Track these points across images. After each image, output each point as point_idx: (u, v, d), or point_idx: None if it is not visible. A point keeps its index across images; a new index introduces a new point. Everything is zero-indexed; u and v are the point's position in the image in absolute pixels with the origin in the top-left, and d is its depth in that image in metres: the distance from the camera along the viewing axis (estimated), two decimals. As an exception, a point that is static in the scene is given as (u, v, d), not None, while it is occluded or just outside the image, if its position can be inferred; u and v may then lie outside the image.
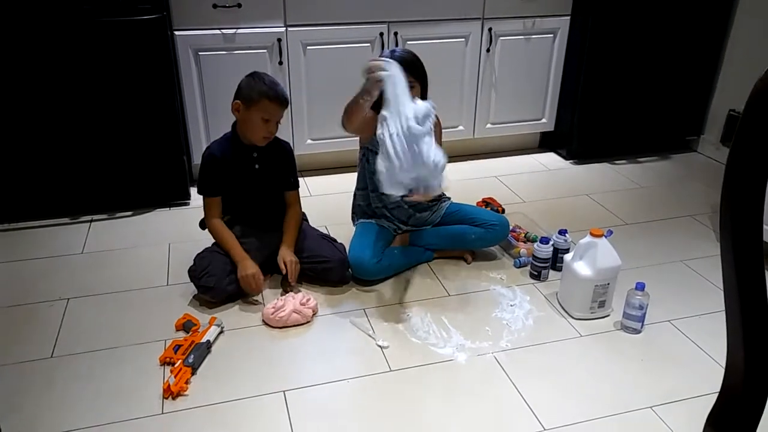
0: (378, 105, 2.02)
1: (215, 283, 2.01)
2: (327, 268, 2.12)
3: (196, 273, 2.03)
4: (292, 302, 1.97)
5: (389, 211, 2.26)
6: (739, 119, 0.76)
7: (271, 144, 2.09)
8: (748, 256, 0.78)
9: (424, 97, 2.13)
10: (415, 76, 2.06)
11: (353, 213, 2.35)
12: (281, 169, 2.17)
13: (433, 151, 1.82)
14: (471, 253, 2.34)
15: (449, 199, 2.39)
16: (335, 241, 2.22)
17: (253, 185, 2.13)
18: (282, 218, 2.18)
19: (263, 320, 1.98)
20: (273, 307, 1.95)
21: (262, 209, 2.17)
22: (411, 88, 2.05)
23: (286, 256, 2.08)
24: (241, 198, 2.13)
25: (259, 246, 2.12)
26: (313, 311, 2.00)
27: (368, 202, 2.27)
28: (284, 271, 2.06)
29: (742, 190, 0.76)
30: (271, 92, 1.99)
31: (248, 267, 2.02)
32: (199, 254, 2.11)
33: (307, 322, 1.98)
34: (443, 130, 2.24)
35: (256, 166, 2.11)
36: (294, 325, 1.96)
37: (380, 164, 1.82)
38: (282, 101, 2.01)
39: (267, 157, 2.12)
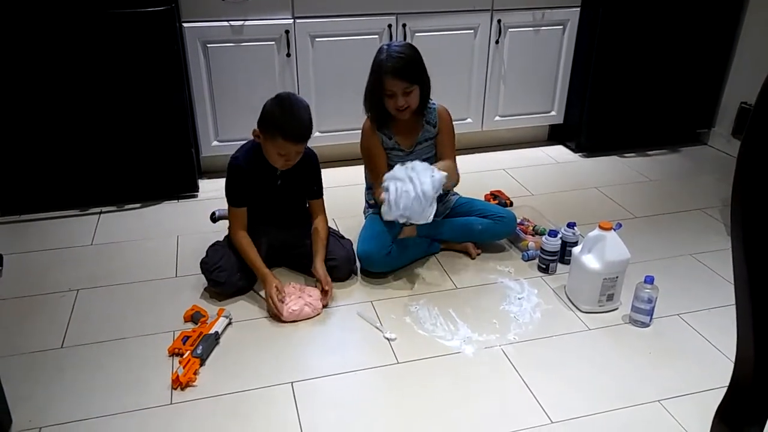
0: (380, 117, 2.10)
1: (226, 279, 2.02)
2: (333, 266, 2.12)
3: (208, 266, 2.04)
4: (303, 296, 1.98)
5: None
6: (751, 112, 0.75)
7: None
8: (759, 249, 0.78)
9: (426, 96, 2.11)
10: (410, 79, 2.02)
11: (366, 205, 2.36)
12: (305, 181, 2.13)
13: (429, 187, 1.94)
14: (474, 246, 2.33)
15: (457, 194, 2.39)
16: (342, 237, 2.22)
17: (274, 199, 2.10)
18: (300, 217, 2.17)
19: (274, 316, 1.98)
20: (288, 305, 1.95)
21: (282, 215, 2.15)
22: (408, 93, 2.03)
23: (322, 269, 2.05)
24: (262, 208, 2.11)
25: (271, 240, 2.12)
26: (324, 304, 2.01)
27: None
28: (322, 285, 2.02)
29: (754, 183, 0.76)
30: (288, 130, 1.89)
31: (270, 283, 1.97)
32: (211, 246, 2.11)
33: (318, 314, 1.99)
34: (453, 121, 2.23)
35: (279, 182, 2.07)
36: (304, 319, 1.97)
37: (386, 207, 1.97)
38: (298, 140, 1.92)
39: (290, 174, 2.06)
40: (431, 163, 2.19)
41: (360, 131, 2.23)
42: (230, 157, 2.06)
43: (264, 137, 1.95)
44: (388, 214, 1.96)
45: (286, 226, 2.15)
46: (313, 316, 1.98)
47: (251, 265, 2.03)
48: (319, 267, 2.05)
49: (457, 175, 2.23)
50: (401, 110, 2.06)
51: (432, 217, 1.97)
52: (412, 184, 1.94)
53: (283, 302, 1.94)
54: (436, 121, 2.19)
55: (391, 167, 2.19)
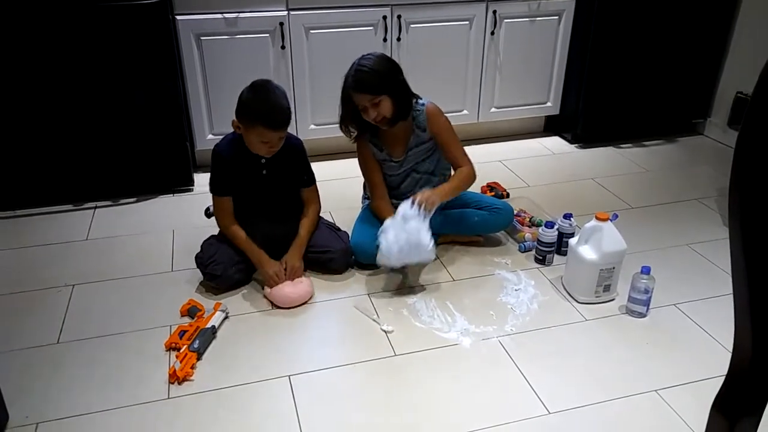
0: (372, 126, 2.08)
1: (222, 272, 2.01)
2: (330, 259, 2.11)
3: (203, 260, 2.03)
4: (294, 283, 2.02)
5: (396, 199, 2.27)
6: (749, 101, 0.75)
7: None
8: (757, 239, 0.78)
9: (404, 102, 2.05)
10: (372, 91, 1.98)
11: (363, 194, 2.37)
12: (292, 171, 2.11)
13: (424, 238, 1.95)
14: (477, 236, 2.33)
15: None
16: (339, 230, 2.22)
17: (261, 189, 2.08)
18: (293, 209, 2.16)
19: (269, 298, 2.01)
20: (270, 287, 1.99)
21: (272, 207, 2.14)
22: (376, 104, 1.99)
23: (292, 260, 2.03)
24: (249, 199, 2.09)
25: (265, 234, 2.11)
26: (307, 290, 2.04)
27: None
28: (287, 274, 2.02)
29: (752, 173, 0.75)
30: (268, 117, 1.87)
31: (270, 266, 1.99)
32: (206, 241, 2.10)
33: (310, 297, 2.01)
34: (448, 114, 2.22)
35: (264, 172, 2.05)
36: (299, 304, 1.99)
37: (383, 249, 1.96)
38: (278, 126, 1.90)
39: (275, 162, 2.04)
40: (432, 167, 2.21)
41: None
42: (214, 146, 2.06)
43: (244, 127, 1.93)
44: (386, 260, 1.98)
45: (280, 219, 2.14)
46: (306, 301, 2.00)
47: (243, 248, 2.03)
48: (294, 258, 2.04)
49: (472, 174, 2.17)
50: (377, 121, 2.04)
51: (432, 247, 1.97)
52: (406, 233, 1.95)
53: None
54: (425, 124, 2.14)
55: (387, 177, 2.21)
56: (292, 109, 2.81)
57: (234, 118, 1.95)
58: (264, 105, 1.89)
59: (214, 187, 2.06)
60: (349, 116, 2.09)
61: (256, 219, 2.11)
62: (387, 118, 2.03)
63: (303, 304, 2.00)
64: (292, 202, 2.17)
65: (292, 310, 1.98)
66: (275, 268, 1.99)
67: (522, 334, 1.88)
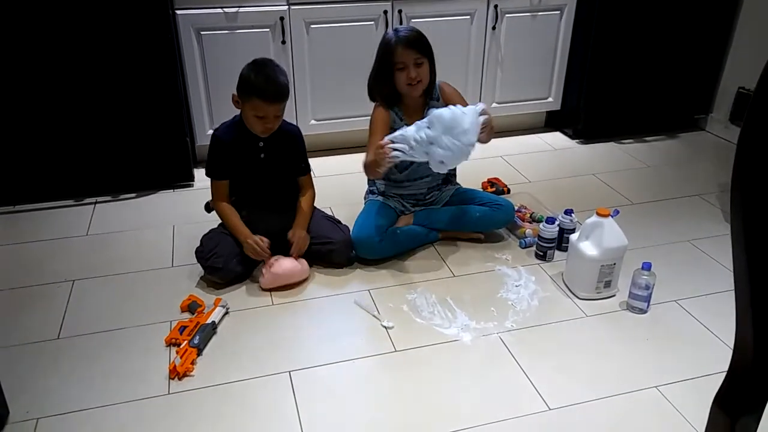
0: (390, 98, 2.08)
1: (223, 264, 2.01)
2: (331, 250, 2.11)
3: (203, 254, 2.04)
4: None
5: (400, 193, 2.28)
6: (751, 98, 0.74)
7: (277, 132, 2.03)
8: (758, 236, 0.77)
9: (432, 72, 2.12)
10: (420, 50, 2.05)
11: (367, 188, 2.37)
12: (289, 157, 2.13)
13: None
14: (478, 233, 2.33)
15: (458, 184, 2.38)
16: (339, 222, 2.22)
17: (259, 173, 2.10)
18: (291, 200, 2.17)
19: (263, 286, 2.03)
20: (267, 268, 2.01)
21: (270, 194, 2.15)
22: (419, 65, 2.05)
23: (298, 232, 2.07)
24: (247, 184, 2.11)
25: (265, 227, 2.11)
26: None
27: (382, 186, 2.31)
28: (293, 248, 2.05)
29: (754, 169, 0.75)
30: (264, 90, 1.91)
31: (249, 237, 2.01)
32: (206, 235, 2.11)
33: (304, 279, 2.04)
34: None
35: (262, 156, 2.07)
36: (291, 284, 2.02)
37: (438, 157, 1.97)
38: (274, 100, 1.93)
39: (273, 147, 2.07)
40: None
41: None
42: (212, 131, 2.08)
43: (242, 101, 1.96)
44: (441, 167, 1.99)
45: (279, 209, 2.14)
46: (303, 279, 2.04)
47: (233, 230, 2.05)
48: (297, 232, 2.06)
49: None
50: (413, 84, 2.05)
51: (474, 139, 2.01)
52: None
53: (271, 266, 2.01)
54: (438, 95, 2.19)
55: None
56: (293, 104, 2.82)
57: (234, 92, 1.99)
58: (260, 78, 1.92)
59: (210, 171, 2.09)
60: (382, 80, 2.09)
61: (255, 209, 2.11)
62: (423, 83, 2.07)
63: (301, 282, 2.02)
64: (288, 190, 2.17)
65: (291, 307, 1.98)
66: (255, 238, 2.01)
67: (522, 330, 1.88)
